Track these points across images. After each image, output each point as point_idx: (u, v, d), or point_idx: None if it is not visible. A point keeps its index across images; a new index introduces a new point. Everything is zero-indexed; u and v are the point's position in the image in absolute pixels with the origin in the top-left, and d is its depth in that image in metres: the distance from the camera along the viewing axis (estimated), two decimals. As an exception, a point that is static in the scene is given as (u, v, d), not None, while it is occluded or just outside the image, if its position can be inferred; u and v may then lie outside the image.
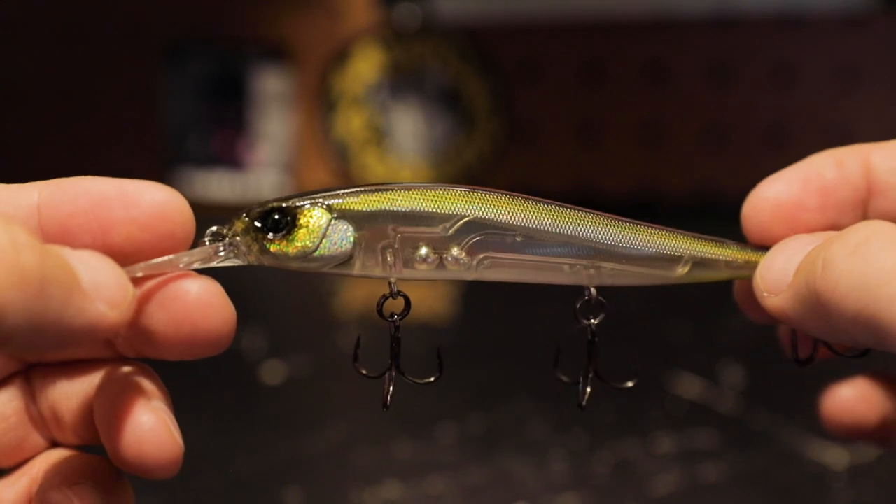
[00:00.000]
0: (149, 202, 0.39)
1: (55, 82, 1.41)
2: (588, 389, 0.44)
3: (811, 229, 0.43)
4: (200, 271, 0.40)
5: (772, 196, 0.44)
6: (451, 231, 0.41)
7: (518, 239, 0.42)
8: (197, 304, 0.39)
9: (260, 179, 1.40)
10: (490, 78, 1.38)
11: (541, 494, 0.75)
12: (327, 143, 1.40)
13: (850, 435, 0.49)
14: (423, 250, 0.41)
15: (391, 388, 0.43)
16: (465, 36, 1.37)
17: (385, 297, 0.42)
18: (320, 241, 0.41)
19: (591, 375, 0.44)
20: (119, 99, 1.42)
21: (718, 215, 1.17)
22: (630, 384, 0.46)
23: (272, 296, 1.13)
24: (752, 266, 0.43)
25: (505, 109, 1.39)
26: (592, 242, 0.42)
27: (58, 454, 0.42)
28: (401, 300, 0.42)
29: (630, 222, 0.43)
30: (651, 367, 0.93)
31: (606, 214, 0.43)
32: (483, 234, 0.42)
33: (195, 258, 0.40)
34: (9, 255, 0.31)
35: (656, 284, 0.44)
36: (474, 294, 1.15)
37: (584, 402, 0.44)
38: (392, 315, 0.42)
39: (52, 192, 0.39)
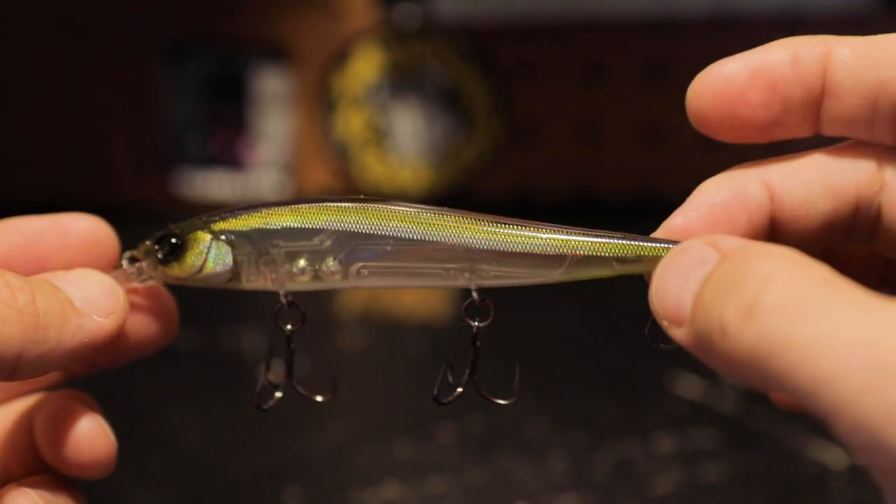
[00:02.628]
0: (81, 229, 0.44)
1: (54, 82, 1.41)
2: (459, 390, 0.45)
3: (754, 125, 0.40)
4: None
5: (713, 84, 0.41)
6: (325, 244, 0.43)
7: (388, 248, 0.43)
8: (147, 300, 0.45)
9: (260, 179, 1.40)
10: (490, 78, 1.38)
11: (541, 494, 0.75)
12: (327, 143, 1.40)
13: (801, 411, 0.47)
14: (301, 263, 0.44)
15: (278, 394, 0.47)
16: (465, 36, 1.37)
17: (279, 307, 0.45)
18: (204, 262, 0.44)
19: (465, 380, 0.45)
20: (119, 99, 1.41)
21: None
22: (504, 402, 0.45)
23: (272, 296, 1.13)
24: (646, 260, 0.41)
25: (505, 109, 1.39)
26: (464, 247, 0.43)
27: (8, 486, 0.44)
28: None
29: (504, 223, 0.42)
30: (651, 367, 0.93)
31: (480, 216, 0.43)
32: (354, 245, 0.43)
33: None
34: (6, 297, 0.36)
35: (543, 283, 0.43)
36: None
37: (444, 400, 0.45)
38: (287, 325, 0.45)
39: None
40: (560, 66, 1.38)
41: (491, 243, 0.42)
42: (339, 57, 1.38)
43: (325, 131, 1.40)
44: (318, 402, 0.47)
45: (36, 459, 0.44)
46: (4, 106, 1.41)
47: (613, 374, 0.92)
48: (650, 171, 1.39)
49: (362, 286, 0.44)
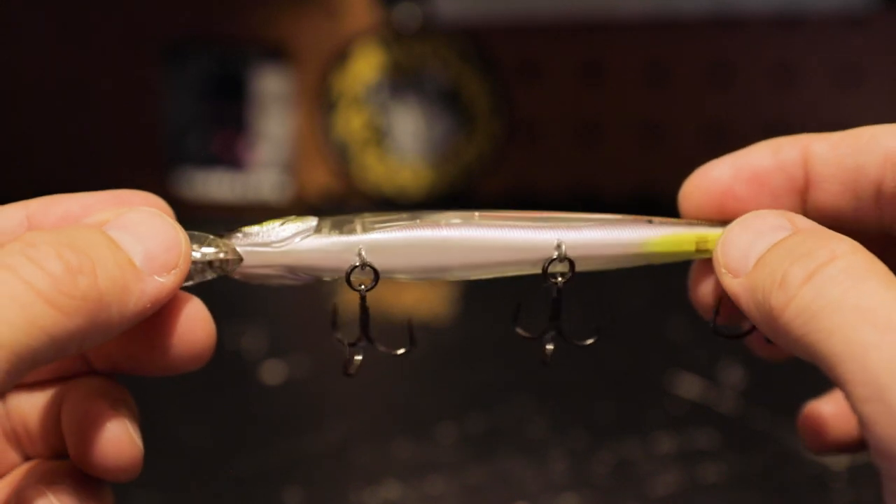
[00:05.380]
0: (141, 202, 0.43)
1: (54, 82, 1.41)
2: (550, 347, 0.45)
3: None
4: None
5: (701, 183, 0.44)
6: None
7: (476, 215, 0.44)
8: (185, 319, 0.41)
9: (260, 179, 1.40)
10: (490, 78, 1.38)
11: (541, 494, 0.75)
12: (327, 143, 1.40)
13: (832, 450, 0.49)
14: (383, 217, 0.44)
15: (358, 358, 0.45)
16: (465, 36, 1.37)
17: (353, 267, 0.43)
18: (286, 220, 0.43)
19: (553, 333, 0.45)
20: (119, 99, 1.41)
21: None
22: (590, 341, 0.46)
23: (272, 296, 1.13)
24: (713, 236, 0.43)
25: (505, 109, 1.39)
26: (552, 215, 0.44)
27: (35, 464, 0.43)
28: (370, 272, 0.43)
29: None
30: (651, 367, 0.93)
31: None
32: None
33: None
34: (66, 286, 0.33)
35: (626, 258, 0.44)
36: (475, 294, 1.15)
37: (548, 360, 0.45)
38: (361, 286, 0.44)
39: (40, 205, 0.42)
40: (560, 66, 1.38)
41: (580, 217, 0.44)
42: (339, 57, 1.38)
43: (325, 131, 1.40)
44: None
45: (61, 445, 0.43)
46: (4, 105, 1.41)
47: (613, 374, 0.92)
48: (650, 171, 1.39)
49: (453, 226, 0.43)
